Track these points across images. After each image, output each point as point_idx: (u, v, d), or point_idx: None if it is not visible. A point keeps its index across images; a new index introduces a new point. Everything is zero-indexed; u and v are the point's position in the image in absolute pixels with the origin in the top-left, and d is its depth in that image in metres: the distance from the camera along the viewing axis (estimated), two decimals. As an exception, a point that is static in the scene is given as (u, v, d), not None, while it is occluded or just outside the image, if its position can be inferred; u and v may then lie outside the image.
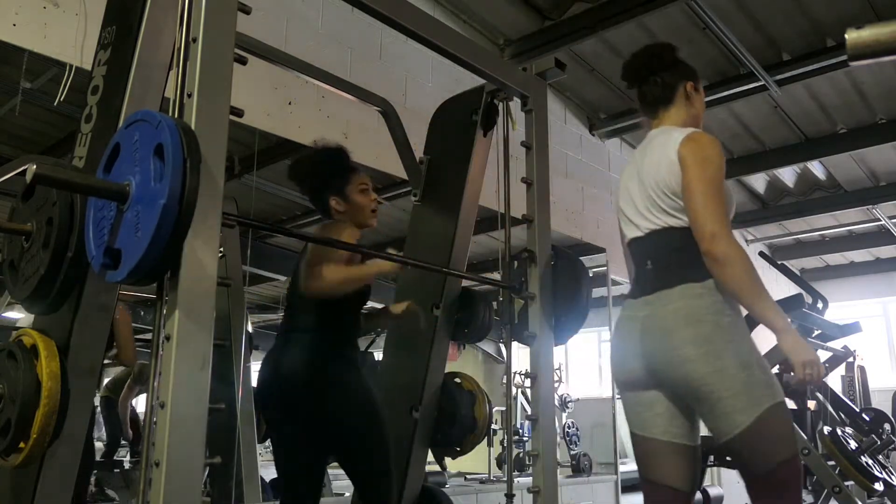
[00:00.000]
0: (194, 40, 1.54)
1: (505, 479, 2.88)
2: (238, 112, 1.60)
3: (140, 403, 4.83)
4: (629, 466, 7.22)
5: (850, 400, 5.11)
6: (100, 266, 1.50)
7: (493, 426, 5.26)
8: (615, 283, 6.34)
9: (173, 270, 1.43)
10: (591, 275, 2.73)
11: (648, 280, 1.82)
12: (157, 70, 1.81)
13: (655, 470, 1.80)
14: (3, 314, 3.65)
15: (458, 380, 2.79)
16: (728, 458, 2.80)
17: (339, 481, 3.83)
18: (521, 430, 6.20)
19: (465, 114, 2.84)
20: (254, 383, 3.79)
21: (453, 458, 2.85)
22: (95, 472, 4.34)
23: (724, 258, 1.66)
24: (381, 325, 2.62)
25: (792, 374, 1.70)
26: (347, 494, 3.41)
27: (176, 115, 1.53)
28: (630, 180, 1.92)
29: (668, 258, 1.79)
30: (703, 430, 1.86)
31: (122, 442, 4.86)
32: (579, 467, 6.10)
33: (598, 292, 5.84)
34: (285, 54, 2.67)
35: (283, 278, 5.70)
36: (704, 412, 1.73)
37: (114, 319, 3.54)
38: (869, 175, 7.10)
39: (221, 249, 1.78)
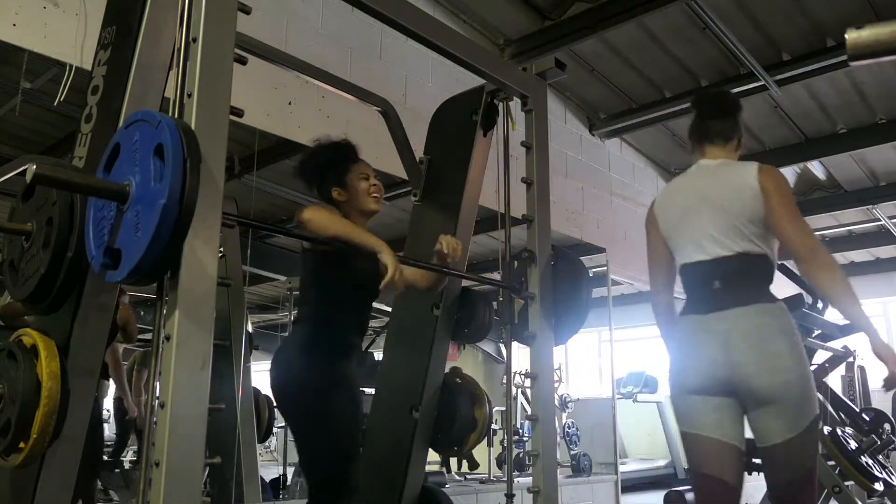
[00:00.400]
0: (194, 40, 1.54)
1: (505, 479, 2.88)
2: (238, 112, 1.60)
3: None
4: (629, 466, 7.23)
5: (850, 400, 5.11)
6: (100, 266, 1.50)
7: (493, 426, 5.26)
8: (615, 283, 6.34)
9: (173, 270, 1.43)
10: (591, 275, 2.73)
11: (717, 298, 1.94)
12: (157, 70, 1.82)
13: (712, 465, 1.93)
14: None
15: (458, 379, 2.79)
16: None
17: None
18: (521, 430, 6.20)
19: (465, 114, 2.84)
20: (254, 383, 3.81)
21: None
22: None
23: (826, 266, 1.89)
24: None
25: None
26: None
27: (176, 115, 1.53)
28: (694, 204, 2.03)
29: (740, 280, 1.94)
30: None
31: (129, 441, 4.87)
32: (579, 467, 6.10)
33: (598, 292, 5.83)
34: (285, 54, 2.67)
35: (282, 278, 5.71)
36: (769, 415, 1.86)
37: (125, 315, 3.58)
38: (869, 175, 7.10)
39: (221, 249, 1.78)
